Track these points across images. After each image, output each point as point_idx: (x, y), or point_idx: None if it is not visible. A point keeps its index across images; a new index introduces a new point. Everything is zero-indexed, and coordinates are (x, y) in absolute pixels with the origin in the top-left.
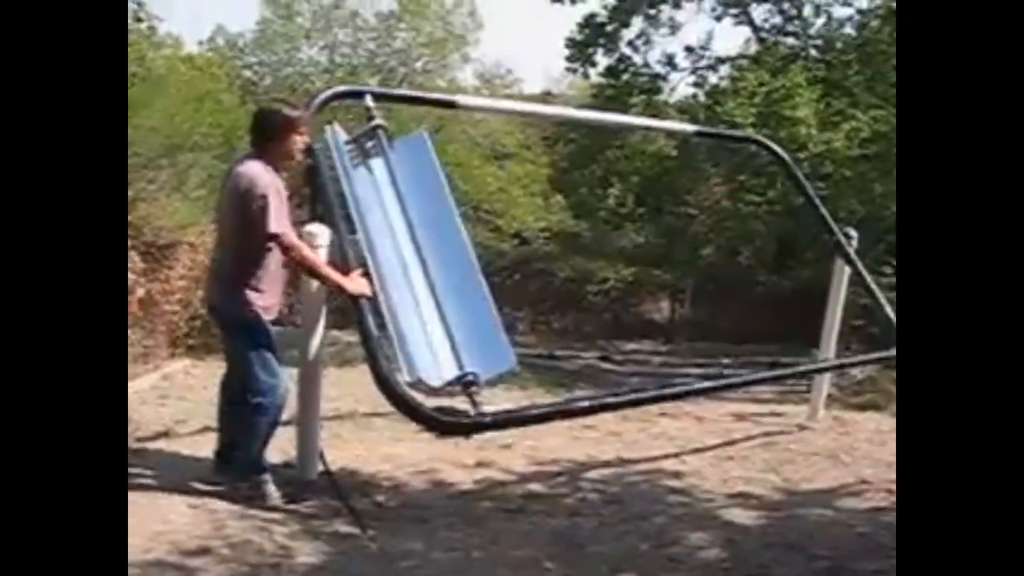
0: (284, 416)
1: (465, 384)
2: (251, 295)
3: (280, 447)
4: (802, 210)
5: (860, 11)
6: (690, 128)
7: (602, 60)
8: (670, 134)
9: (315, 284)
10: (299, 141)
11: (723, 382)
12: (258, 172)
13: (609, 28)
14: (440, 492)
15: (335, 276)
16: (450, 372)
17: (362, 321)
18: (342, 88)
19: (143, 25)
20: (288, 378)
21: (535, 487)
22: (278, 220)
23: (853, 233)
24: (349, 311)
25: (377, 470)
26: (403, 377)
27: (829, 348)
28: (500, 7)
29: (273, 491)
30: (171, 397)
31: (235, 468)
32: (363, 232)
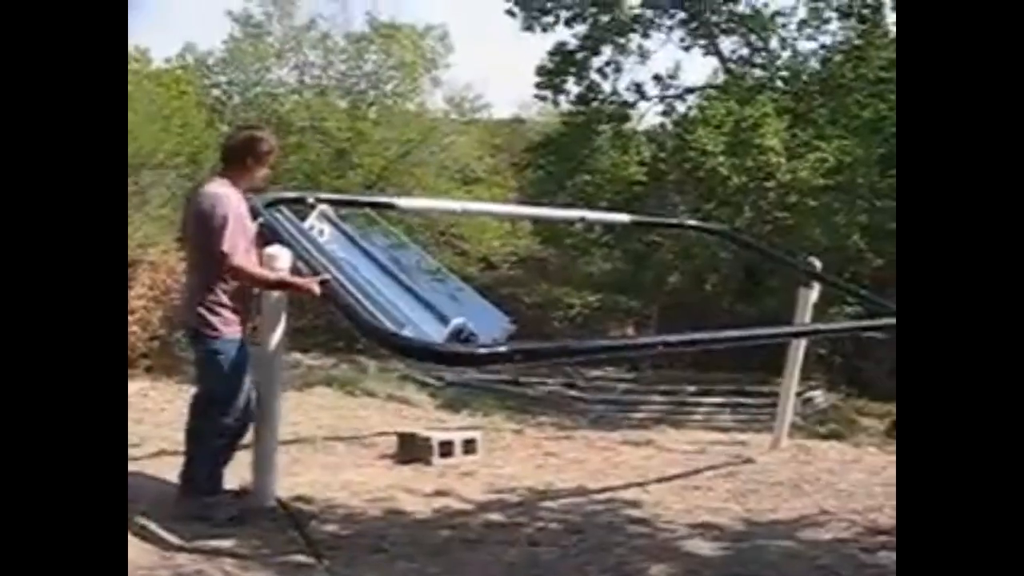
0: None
1: (459, 332)
2: (220, 315)
3: (238, 472)
4: (768, 239)
5: (824, 46)
6: (625, 218)
7: (572, 88)
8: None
9: (273, 300)
10: (265, 173)
11: (717, 336)
12: (222, 193)
13: (579, 56)
14: (398, 521)
15: (288, 278)
16: (441, 331)
17: (336, 293)
18: (289, 195)
19: None
20: (253, 400)
21: (495, 516)
22: (231, 241)
23: (816, 262)
24: (311, 332)
25: (335, 497)
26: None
27: (793, 375)
28: (471, 31)
29: (221, 513)
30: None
31: (186, 487)
32: (327, 259)
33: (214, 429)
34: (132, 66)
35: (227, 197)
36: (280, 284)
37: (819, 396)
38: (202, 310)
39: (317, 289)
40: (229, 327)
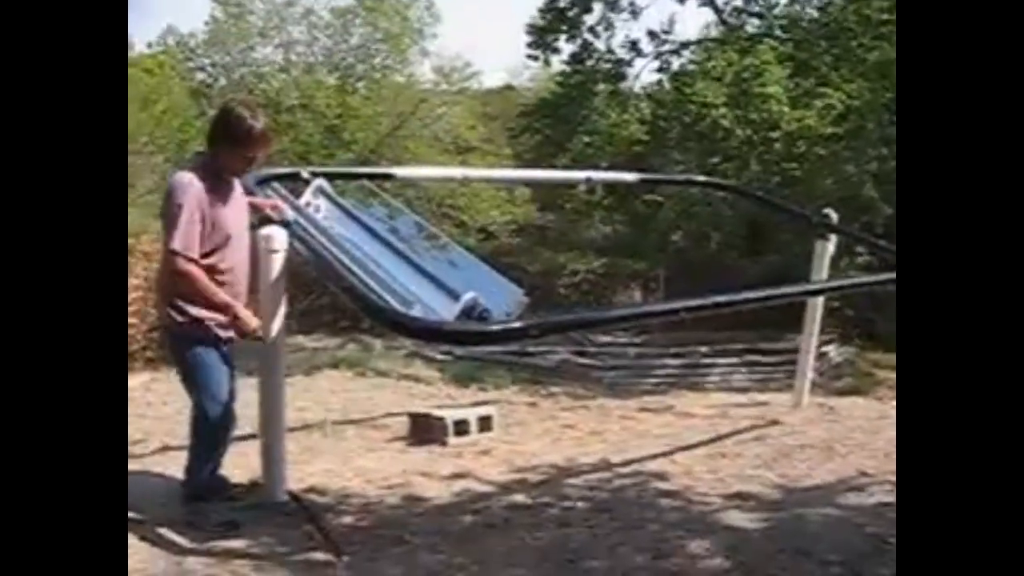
0: (249, 430)
1: (472, 308)
2: (192, 308)
3: (249, 465)
4: (776, 192)
5: None
6: (632, 177)
7: (564, 47)
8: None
9: (270, 284)
10: (253, 157)
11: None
12: (187, 180)
13: (571, 13)
14: (417, 508)
15: (234, 306)
16: (452, 308)
17: (337, 274)
18: (281, 170)
19: None
20: (235, 397)
21: (518, 498)
22: (185, 235)
23: (832, 214)
24: (314, 312)
25: (349, 486)
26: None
27: (812, 333)
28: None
29: (212, 518)
30: (129, 415)
31: (189, 487)
32: (325, 237)
33: (197, 432)
34: None
35: (189, 184)
36: (225, 307)
37: (833, 350)
38: (169, 307)
39: (257, 334)
40: (198, 324)
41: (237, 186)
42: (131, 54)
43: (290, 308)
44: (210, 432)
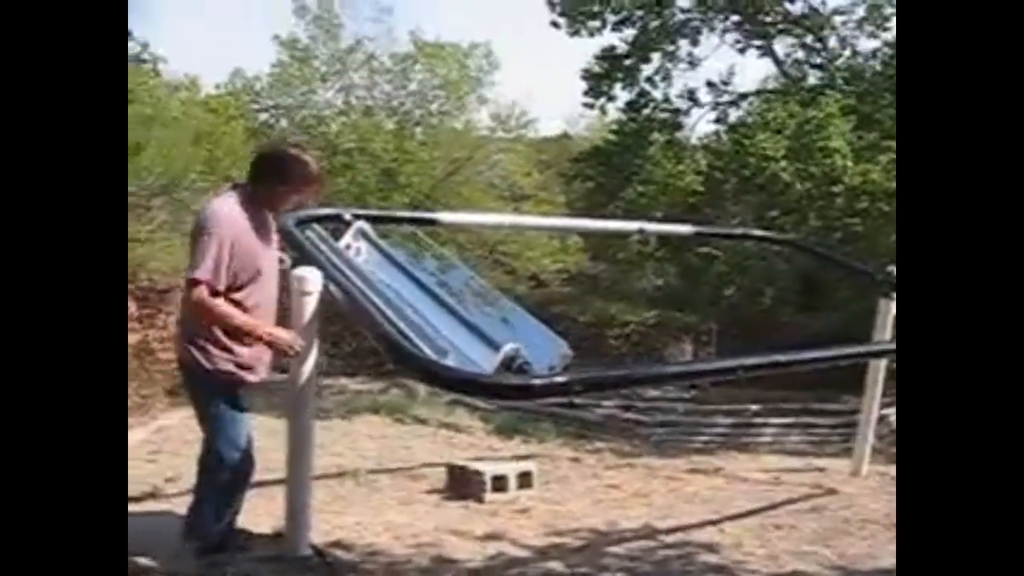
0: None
1: (512, 359)
2: (215, 350)
3: (275, 512)
4: (836, 248)
5: (887, 43)
6: (687, 229)
7: (621, 95)
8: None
9: (303, 325)
10: (297, 200)
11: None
12: (219, 209)
13: (628, 62)
14: (446, 571)
15: (261, 327)
16: (491, 359)
17: (370, 318)
18: (322, 211)
19: (147, 66)
20: (251, 445)
21: (555, 565)
22: (213, 264)
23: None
24: (359, 354)
25: (376, 542)
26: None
27: (874, 396)
28: (516, 49)
29: (229, 571)
30: (164, 452)
31: (196, 539)
32: (363, 280)
33: (211, 482)
34: (182, 94)
35: (223, 215)
36: (252, 333)
37: (893, 414)
38: (190, 345)
39: (295, 349)
40: (215, 364)
41: (272, 224)
42: (199, 95)
43: (336, 350)
44: (229, 480)
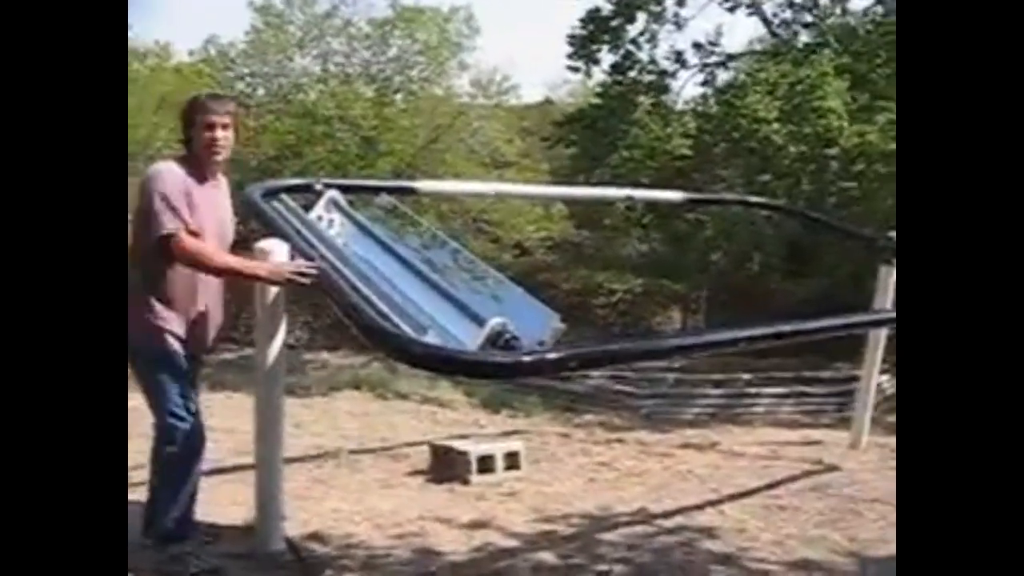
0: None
1: (498, 335)
2: (156, 317)
3: (248, 501)
4: (832, 213)
5: (879, 1)
6: (678, 196)
7: (606, 58)
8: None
9: (271, 296)
10: (205, 132)
11: (805, 327)
12: (162, 169)
13: (613, 23)
14: (430, 565)
15: (245, 263)
16: (476, 335)
17: (338, 291)
18: (291, 181)
19: None
20: (202, 420)
21: (545, 556)
22: (175, 215)
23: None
24: (339, 327)
25: (356, 532)
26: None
27: (874, 367)
28: (498, 13)
29: (190, 567)
30: (131, 436)
31: (154, 531)
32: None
33: (166, 462)
34: (151, 61)
35: (167, 172)
36: (238, 271)
37: (887, 381)
38: (139, 312)
39: (284, 272)
40: (170, 334)
41: (224, 192)
42: (171, 61)
43: (318, 323)
44: (180, 455)
